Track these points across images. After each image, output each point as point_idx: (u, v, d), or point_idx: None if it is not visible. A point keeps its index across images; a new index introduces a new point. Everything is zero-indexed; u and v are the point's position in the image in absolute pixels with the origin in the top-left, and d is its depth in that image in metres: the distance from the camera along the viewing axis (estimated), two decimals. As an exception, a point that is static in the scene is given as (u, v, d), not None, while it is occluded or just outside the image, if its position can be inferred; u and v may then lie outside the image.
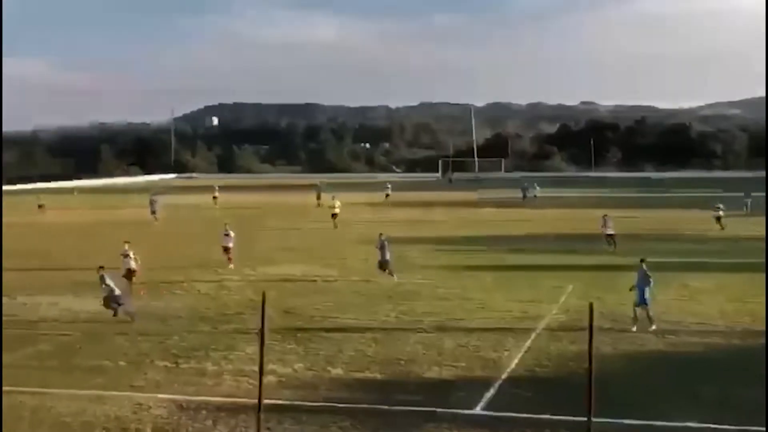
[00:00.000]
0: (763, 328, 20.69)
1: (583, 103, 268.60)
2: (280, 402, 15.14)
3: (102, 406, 15.28)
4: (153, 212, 53.77)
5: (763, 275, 26.52)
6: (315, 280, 29.86)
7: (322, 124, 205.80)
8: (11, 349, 19.70)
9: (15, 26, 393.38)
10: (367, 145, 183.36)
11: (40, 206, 62.10)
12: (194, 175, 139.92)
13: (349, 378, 17.23)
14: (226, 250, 33.38)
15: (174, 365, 18.33)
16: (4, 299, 25.85)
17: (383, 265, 29.64)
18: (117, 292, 23.50)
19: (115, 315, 23.07)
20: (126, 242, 28.81)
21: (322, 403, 15.34)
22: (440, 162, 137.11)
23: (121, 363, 18.56)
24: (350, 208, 57.46)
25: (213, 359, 18.73)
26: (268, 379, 15.72)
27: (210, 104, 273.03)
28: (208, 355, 19.14)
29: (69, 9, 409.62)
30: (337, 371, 17.68)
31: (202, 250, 37.36)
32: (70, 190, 77.91)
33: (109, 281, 23.50)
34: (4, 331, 21.78)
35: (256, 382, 15.42)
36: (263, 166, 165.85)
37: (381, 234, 30.77)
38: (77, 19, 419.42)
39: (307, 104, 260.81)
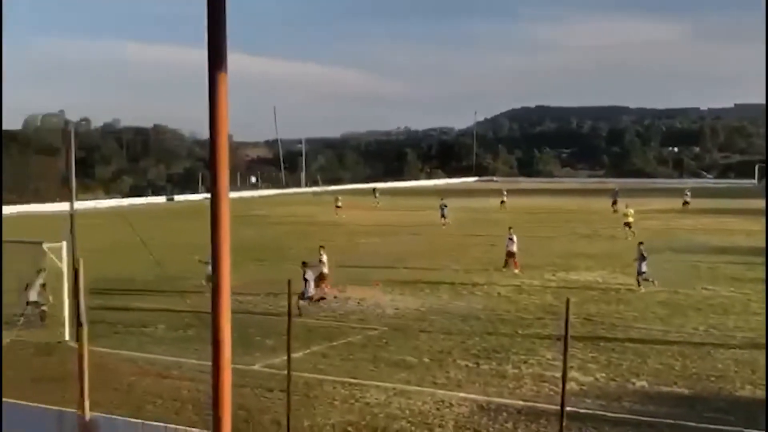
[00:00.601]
0: None
1: None
2: (582, 410, 14.90)
3: (406, 400, 15.91)
4: (442, 215, 55.21)
5: None
6: (618, 289, 29.00)
7: (626, 127, 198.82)
8: (325, 341, 21.19)
9: (330, 41, 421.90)
10: (675, 149, 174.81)
11: (337, 207, 65.87)
12: (494, 178, 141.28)
13: (653, 391, 16.55)
14: (510, 254, 33.51)
15: (475, 365, 18.66)
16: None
17: (639, 275, 28.82)
18: (310, 292, 24.80)
19: (299, 315, 23.49)
20: (321, 247, 29.53)
21: (625, 415, 14.86)
22: (756, 167, 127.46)
23: (425, 359, 19.21)
24: (645, 215, 55.05)
25: (513, 362, 18.83)
26: (570, 386, 15.46)
27: (513, 107, 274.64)
28: (509, 357, 19.27)
29: (373, 23, 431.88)
30: (641, 383, 17.07)
31: (491, 252, 37.59)
32: (372, 192, 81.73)
33: (309, 277, 24.84)
34: (322, 323, 23.49)
35: (557, 388, 15.34)
36: (564, 170, 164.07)
37: (641, 243, 29.96)
38: (381, 31, 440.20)
39: (611, 107, 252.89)
